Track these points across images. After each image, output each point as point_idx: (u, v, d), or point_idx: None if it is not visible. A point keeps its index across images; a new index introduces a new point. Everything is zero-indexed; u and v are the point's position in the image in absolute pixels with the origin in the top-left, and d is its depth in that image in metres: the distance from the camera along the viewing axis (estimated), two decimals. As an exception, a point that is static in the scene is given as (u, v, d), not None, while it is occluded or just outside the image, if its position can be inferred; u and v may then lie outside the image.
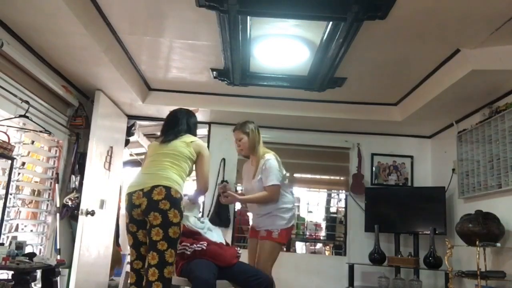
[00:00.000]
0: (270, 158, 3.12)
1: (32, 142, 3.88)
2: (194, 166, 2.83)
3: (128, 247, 3.04)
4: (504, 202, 3.52)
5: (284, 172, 3.19)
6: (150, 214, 2.48)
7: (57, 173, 4.07)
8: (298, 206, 5.36)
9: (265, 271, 2.98)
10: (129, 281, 2.64)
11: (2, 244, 3.10)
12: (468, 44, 3.09)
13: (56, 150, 4.14)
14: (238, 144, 3.27)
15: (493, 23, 2.77)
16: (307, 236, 5.23)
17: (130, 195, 2.59)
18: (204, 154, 2.83)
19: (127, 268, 4.44)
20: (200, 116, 4.88)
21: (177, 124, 2.88)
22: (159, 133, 5.45)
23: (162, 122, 5.08)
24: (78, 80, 3.98)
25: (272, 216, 3.10)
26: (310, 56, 3.47)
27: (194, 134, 2.94)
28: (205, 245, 3.01)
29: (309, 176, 5.14)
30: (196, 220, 3.04)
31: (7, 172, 3.16)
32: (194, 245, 2.86)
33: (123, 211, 5.39)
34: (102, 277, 4.34)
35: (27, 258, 2.98)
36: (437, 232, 4.20)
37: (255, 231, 3.24)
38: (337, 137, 5.03)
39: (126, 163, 5.71)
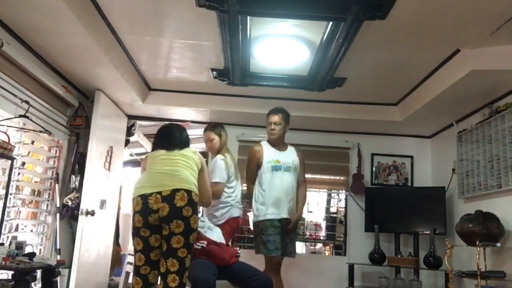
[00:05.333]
0: (218, 158, 3.28)
1: (32, 142, 3.88)
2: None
3: (128, 248, 3.00)
4: (504, 202, 3.52)
5: (233, 175, 3.33)
6: (173, 222, 2.37)
7: (57, 173, 4.07)
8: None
9: None
10: (133, 287, 2.50)
11: (2, 244, 3.10)
12: (468, 44, 3.09)
13: (56, 150, 4.14)
14: (209, 144, 3.40)
15: (493, 23, 2.77)
16: (307, 236, 5.22)
17: (145, 198, 2.40)
18: (206, 168, 2.81)
19: (127, 268, 4.45)
20: (200, 116, 4.90)
21: (175, 138, 2.74)
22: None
23: (162, 123, 5.14)
24: (78, 80, 3.98)
25: (209, 215, 3.29)
26: (310, 56, 3.47)
27: None
28: (205, 244, 3.01)
29: (309, 176, 5.12)
30: (196, 219, 3.04)
31: (7, 172, 3.16)
32: (194, 244, 2.86)
33: (123, 211, 5.41)
34: (102, 277, 4.34)
35: (27, 258, 2.97)
36: (437, 232, 4.20)
37: None
38: (337, 137, 5.02)
39: (126, 163, 5.71)
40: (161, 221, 2.40)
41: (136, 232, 2.47)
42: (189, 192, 2.43)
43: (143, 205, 2.40)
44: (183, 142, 2.77)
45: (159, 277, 2.50)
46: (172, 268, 2.38)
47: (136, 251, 2.50)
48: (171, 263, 2.39)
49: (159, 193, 2.39)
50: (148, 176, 2.53)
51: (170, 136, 2.76)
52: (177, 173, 2.49)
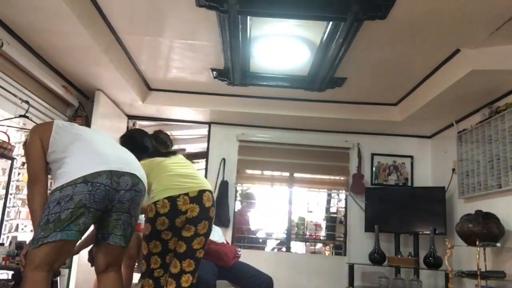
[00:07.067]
0: None
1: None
2: None
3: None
4: (504, 202, 3.52)
5: None
6: (201, 222, 2.34)
7: (57, 173, 4.06)
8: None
9: None
10: None
11: (2, 244, 3.11)
12: (468, 44, 3.09)
13: (56, 150, 4.14)
14: None
15: (493, 23, 2.77)
16: (307, 236, 5.22)
17: (173, 199, 2.31)
18: None
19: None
20: (200, 116, 4.90)
21: (157, 146, 2.73)
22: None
23: (162, 123, 5.15)
24: (78, 80, 3.98)
25: None
26: (310, 56, 3.47)
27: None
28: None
29: (309, 176, 5.14)
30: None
31: (7, 172, 3.17)
32: None
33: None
34: (102, 277, 4.34)
35: (27, 258, 2.97)
36: (437, 232, 4.20)
37: None
38: (337, 137, 5.02)
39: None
40: (187, 222, 2.35)
41: (155, 235, 2.37)
42: (211, 193, 2.45)
43: (171, 207, 2.32)
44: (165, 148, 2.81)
45: (169, 278, 2.44)
46: (188, 268, 2.37)
47: (152, 254, 2.40)
48: (188, 264, 2.37)
49: (186, 194, 2.34)
50: (170, 179, 2.42)
51: (146, 145, 2.67)
52: (195, 175, 2.48)
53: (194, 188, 2.36)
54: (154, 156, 2.57)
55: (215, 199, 2.46)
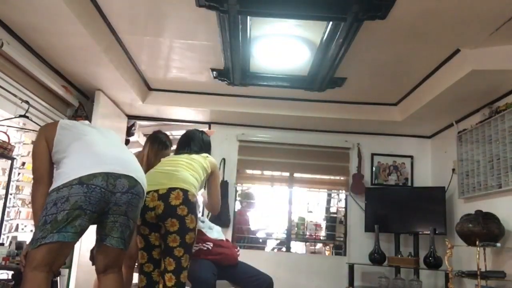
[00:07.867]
0: None
1: (32, 142, 3.88)
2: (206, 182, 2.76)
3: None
4: (504, 202, 3.52)
5: None
6: (167, 220, 2.36)
7: (57, 173, 4.06)
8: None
9: None
10: (138, 285, 2.51)
11: (2, 244, 3.11)
12: (468, 44, 3.09)
13: (56, 150, 4.14)
14: None
15: (493, 23, 2.77)
16: (307, 236, 5.22)
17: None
18: (217, 173, 2.82)
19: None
20: (200, 116, 4.90)
21: (191, 144, 2.82)
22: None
23: (162, 123, 5.16)
24: (78, 80, 3.98)
25: None
26: (310, 56, 3.47)
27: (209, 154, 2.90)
28: (211, 245, 3.02)
29: (309, 176, 5.14)
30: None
31: (7, 172, 3.17)
32: (193, 244, 2.86)
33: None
34: (102, 277, 4.33)
35: (27, 258, 2.97)
36: (437, 232, 4.20)
37: None
38: (337, 137, 5.03)
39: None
40: (157, 219, 2.40)
41: (137, 230, 2.49)
42: (185, 191, 2.40)
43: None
44: (195, 147, 2.80)
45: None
46: (169, 267, 2.37)
47: (139, 249, 2.53)
48: (168, 262, 2.38)
49: (156, 191, 2.38)
50: (149, 176, 2.50)
51: (183, 143, 2.84)
52: (176, 172, 2.48)
53: (164, 185, 2.39)
54: (177, 153, 2.77)
55: (190, 199, 2.40)
